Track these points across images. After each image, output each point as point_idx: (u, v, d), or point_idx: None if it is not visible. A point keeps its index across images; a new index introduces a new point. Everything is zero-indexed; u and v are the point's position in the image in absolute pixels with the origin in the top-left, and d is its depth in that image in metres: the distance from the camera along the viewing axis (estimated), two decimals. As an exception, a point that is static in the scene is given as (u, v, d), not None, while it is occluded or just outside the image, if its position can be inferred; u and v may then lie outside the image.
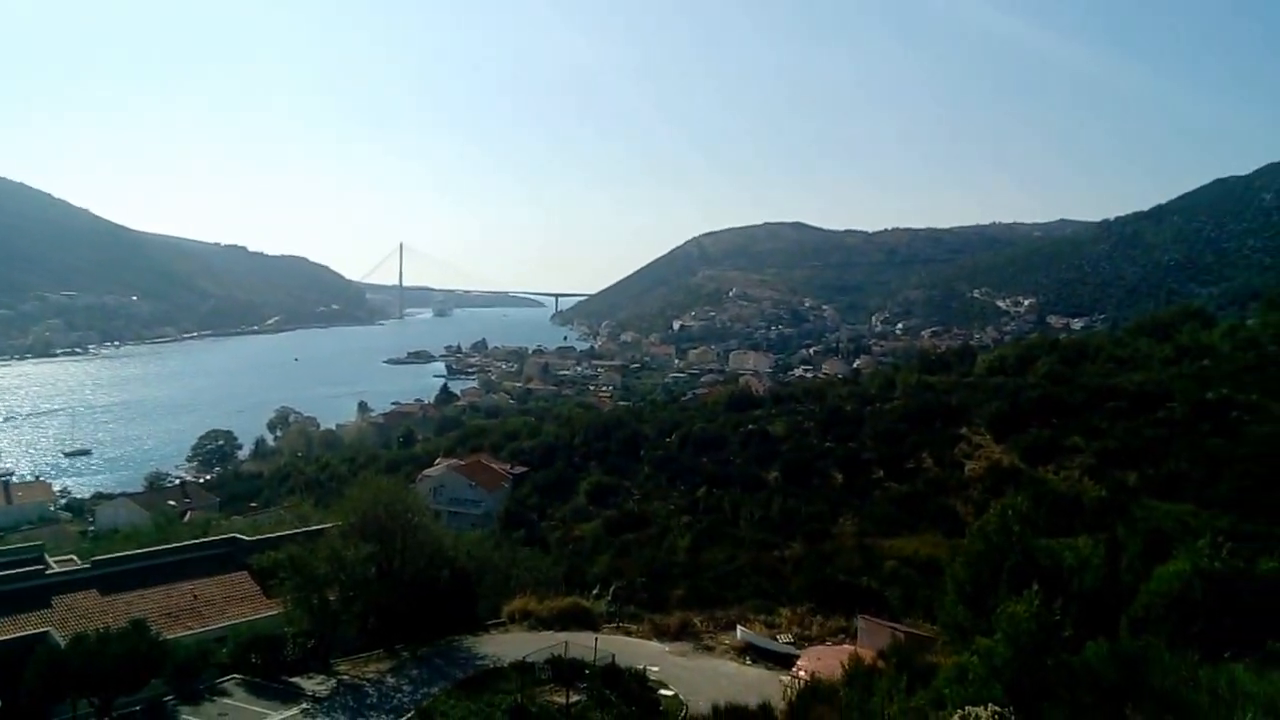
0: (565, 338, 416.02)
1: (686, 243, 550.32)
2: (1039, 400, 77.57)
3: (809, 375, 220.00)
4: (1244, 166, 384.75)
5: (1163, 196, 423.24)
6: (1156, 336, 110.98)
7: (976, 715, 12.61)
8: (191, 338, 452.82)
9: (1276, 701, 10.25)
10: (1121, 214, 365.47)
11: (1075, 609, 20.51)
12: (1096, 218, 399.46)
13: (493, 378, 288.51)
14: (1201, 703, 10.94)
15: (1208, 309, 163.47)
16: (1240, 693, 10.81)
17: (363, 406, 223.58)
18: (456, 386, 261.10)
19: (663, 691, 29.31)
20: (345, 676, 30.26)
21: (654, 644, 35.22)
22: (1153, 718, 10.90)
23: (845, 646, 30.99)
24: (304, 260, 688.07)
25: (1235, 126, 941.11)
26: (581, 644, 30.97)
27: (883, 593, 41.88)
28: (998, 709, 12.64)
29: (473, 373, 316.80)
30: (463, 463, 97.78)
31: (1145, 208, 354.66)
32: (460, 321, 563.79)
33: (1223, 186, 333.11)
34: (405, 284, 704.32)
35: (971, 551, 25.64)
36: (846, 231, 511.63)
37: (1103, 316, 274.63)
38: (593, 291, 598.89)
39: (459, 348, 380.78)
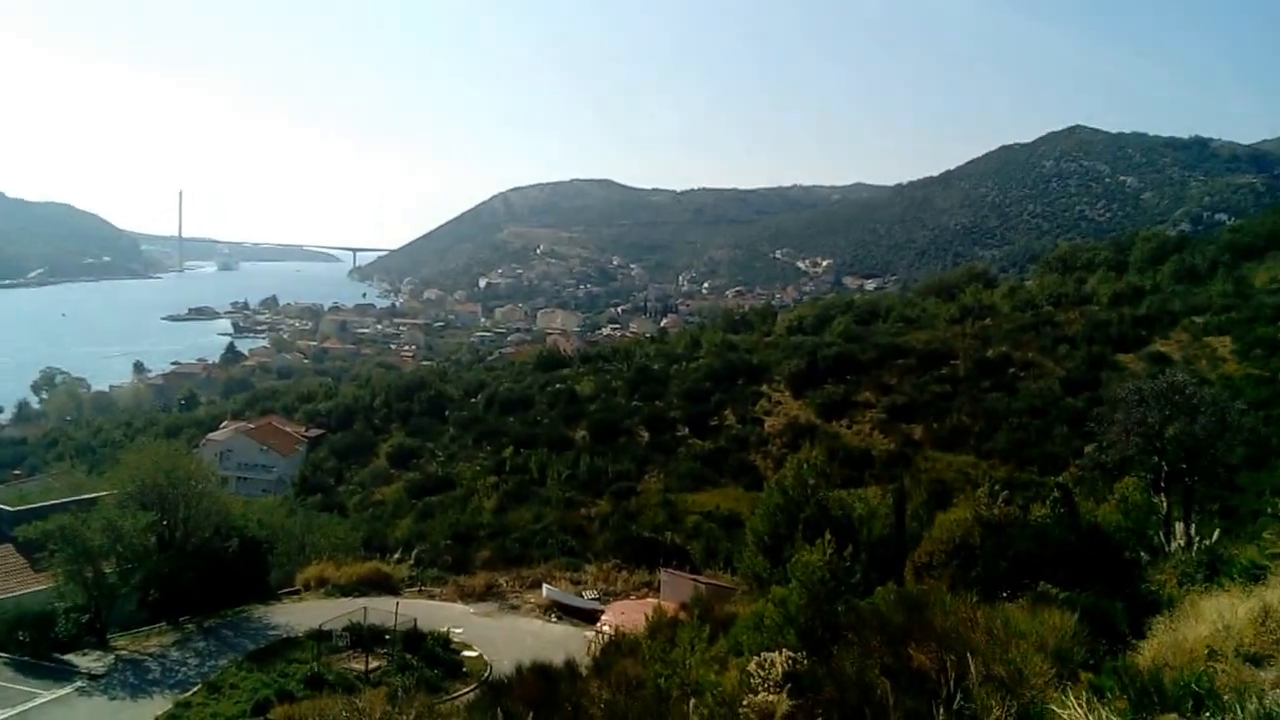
0: (364, 294, 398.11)
1: (492, 198, 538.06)
2: (835, 358, 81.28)
3: (617, 334, 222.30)
4: (1027, 135, 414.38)
5: (951, 163, 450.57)
6: (943, 297, 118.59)
7: (771, 660, 12.77)
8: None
9: (1046, 638, 10.80)
10: (913, 179, 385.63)
11: (865, 556, 21.48)
12: (890, 182, 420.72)
13: (285, 336, 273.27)
14: (979, 641, 11.41)
15: (990, 271, 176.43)
16: (1014, 631, 11.35)
17: (139, 367, 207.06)
18: (244, 345, 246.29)
19: (466, 653, 28.97)
20: (124, 652, 28.52)
21: (458, 606, 34.65)
22: (934, 656, 11.27)
23: (649, 600, 31.44)
24: (69, 207, 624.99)
25: (1021, 97, 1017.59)
26: (382, 609, 30.09)
27: (685, 547, 42.89)
28: (791, 653, 12.87)
29: (262, 331, 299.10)
30: (252, 426, 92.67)
31: (935, 173, 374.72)
32: (248, 276, 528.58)
33: (1007, 153, 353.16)
34: (186, 235, 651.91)
35: (769, 504, 26.41)
36: (654, 190, 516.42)
37: (894, 277, 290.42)
38: (394, 247, 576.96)
39: (246, 304, 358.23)
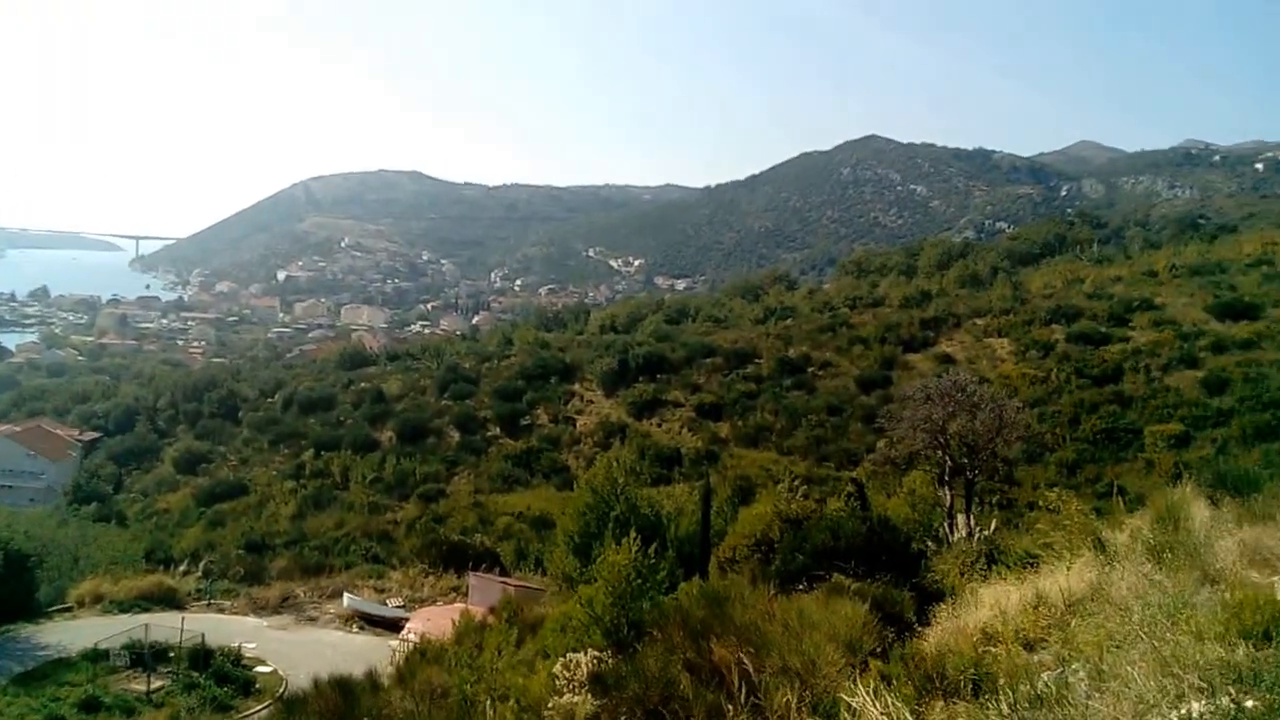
0: (148, 286, 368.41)
1: (293, 186, 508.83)
2: (645, 358, 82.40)
3: (427, 331, 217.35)
4: (826, 143, 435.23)
5: (757, 167, 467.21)
6: (748, 298, 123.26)
7: (577, 661, 12.69)
8: None
9: (838, 628, 11.14)
10: (721, 182, 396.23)
11: (673, 553, 21.79)
12: (700, 184, 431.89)
13: (57, 331, 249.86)
14: (775, 633, 11.64)
15: (792, 273, 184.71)
16: (807, 622, 11.64)
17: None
18: (10, 341, 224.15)
19: (260, 669, 27.50)
20: None
21: (251, 620, 32.79)
22: (732, 649, 11.42)
23: (457, 605, 30.76)
24: None
25: (818, 108, 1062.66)
26: (166, 625, 28.18)
27: (495, 549, 42.32)
28: (597, 653, 12.83)
29: (31, 325, 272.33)
30: (18, 429, 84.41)
31: (742, 177, 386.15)
32: (14, 264, 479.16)
33: (808, 160, 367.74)
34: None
35: (579, 504, 26.44)
36: (466, 184, 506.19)
37: (703, 278, 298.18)
38: (182, 235, 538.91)
39: (13, 295, 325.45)
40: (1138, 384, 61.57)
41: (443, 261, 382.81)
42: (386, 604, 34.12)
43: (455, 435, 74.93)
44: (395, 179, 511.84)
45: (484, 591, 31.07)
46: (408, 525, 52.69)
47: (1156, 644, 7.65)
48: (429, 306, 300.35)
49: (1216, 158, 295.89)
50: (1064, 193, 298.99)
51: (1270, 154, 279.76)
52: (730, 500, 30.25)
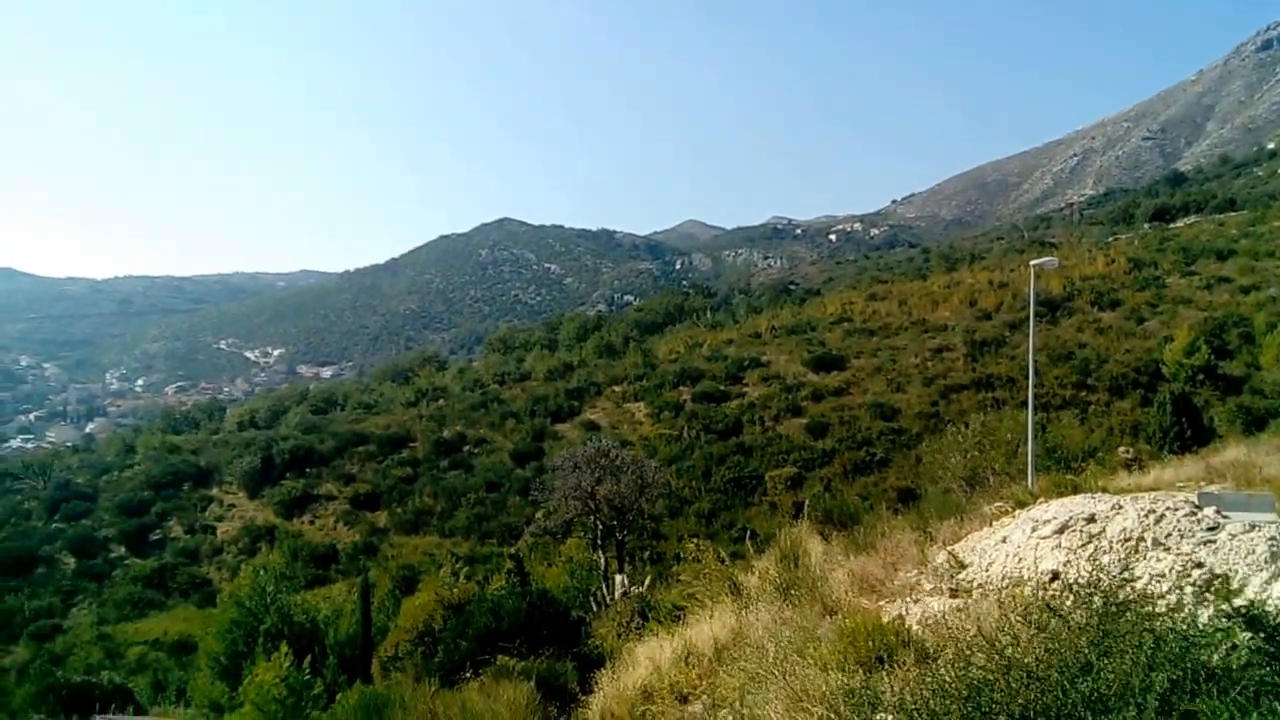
0: None
1: None
2: (292, 452, 77.95)
3: (30, 447, 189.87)
4: (463, 225, 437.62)
5: (395, 251, 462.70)
6: (398, 381, 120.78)
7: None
8: None
9: (501, 715, 11.18)
10: (360, 266, 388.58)
11: (333, 659, 20.65)
12: (337, 268, 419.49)
13: None
14: (441, 731, 11.46)
15: (441, 354, 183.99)
16: (470, 715, 11.58)
17: None
18: None
19: None
20: None
21: None
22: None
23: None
24: None
25: (453, 191, 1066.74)
26: None
27: (128, 685, 37.57)
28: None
29: None
30: None
31: (381, 260, 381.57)
32: None
33: (447, 242, 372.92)
34: None
35: (224, 620, 24.28)
36: (68, 279, 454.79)
37: (350, 364, 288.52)
38: None
39: None
40: (755, 434, 67.39)
41: (45, 366, 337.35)
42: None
43: (71, 561, 65.87)
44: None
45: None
46: (19, 671, 45.28)
47: (788, 679, 8.49)
48: (32, 418, 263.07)
49: (798, 231, 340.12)
50: (678, 266, 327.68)
51: (840, 227, 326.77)
52: (393, 593, 29.28)
